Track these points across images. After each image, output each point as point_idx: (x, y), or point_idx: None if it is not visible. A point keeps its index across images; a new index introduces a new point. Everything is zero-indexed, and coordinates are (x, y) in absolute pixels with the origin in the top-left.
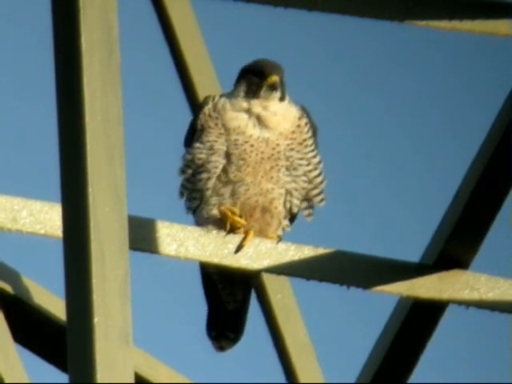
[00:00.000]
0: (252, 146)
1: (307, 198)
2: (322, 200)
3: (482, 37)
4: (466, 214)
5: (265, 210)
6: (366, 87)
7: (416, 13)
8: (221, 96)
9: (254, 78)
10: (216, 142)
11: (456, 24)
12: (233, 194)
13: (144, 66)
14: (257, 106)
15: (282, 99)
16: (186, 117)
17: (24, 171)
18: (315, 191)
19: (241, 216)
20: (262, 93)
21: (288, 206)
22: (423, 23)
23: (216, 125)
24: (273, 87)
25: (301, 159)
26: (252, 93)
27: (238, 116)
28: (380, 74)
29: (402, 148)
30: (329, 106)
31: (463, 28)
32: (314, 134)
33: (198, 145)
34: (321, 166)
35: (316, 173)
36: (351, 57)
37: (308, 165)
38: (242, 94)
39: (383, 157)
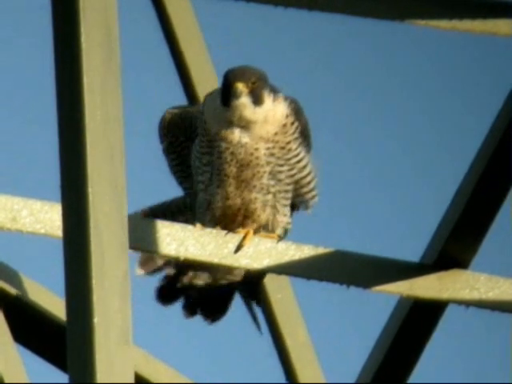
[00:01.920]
0: (232, 153)
1: (298, 195)
2: (313, 196)
3: (482, 37)
4: (466, 213)
5: (246, 217)
6: (366, 87)
7: (416, 13)
8: (207, 97)
9: (223, 87)
10: (203, 149)
11: (456, 24)
12: (213, 204)
13: (144, 66)
14: (232, 113)
15: (257, 103)
16: None
17: (24, 171)
18: (304, 189)
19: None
20: (231, 101)
21: (278, 207)
22: (423, 23)
23: (205, 130)
24: (236, 96)
25: (281, 165)
26: (224, 101)
27: (219, 122)
28: (380, 74)
29: (402, 148)
30: (328, 105)
31: (463, 28)
32: (303, 134)
33: (195, 152)
34: (308, 168)
35: (302, 175)
36: (351, 57)
37: (291, 169)
38: (219, 100)
39: (383, 156)
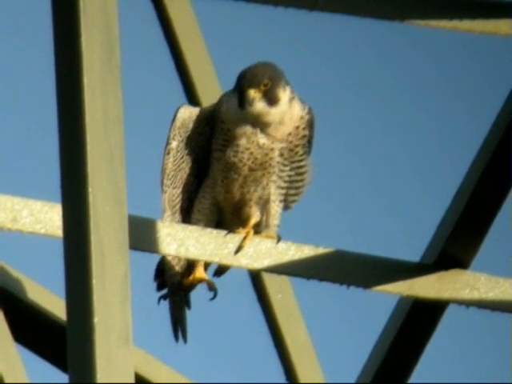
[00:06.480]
0: (251, 153)
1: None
2: (295, 200)
3: (482, 37)
4: (466, 213)
5: (241, 208)
6: (365, 87)
7: (416, 13)
8: (224, 97)
9: (238, 91)
10: (217, 146)
11: (456, 24)
12: (216, 198)
13: (144, 66)
14: (248, 117)
15: (272, 104)
16: None
17: (24, 171)
18: (292, 191)
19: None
20: (247, 106)
21: (273, 200)
22: (423, 23)
23: (222, 129)
24: (249, 103)
25: (285, 166)
26: (240, 105)
27: (240, 123)
28: (380, 74)
29: (402, 148)
30: (329, 105)
31: (463, 28)
32: (309, 142)
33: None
34: (305, 174)
35: (297, 178)
36: (351, 57)
37: (291, 170)
38: (236, 103)
39: (383, 156)
